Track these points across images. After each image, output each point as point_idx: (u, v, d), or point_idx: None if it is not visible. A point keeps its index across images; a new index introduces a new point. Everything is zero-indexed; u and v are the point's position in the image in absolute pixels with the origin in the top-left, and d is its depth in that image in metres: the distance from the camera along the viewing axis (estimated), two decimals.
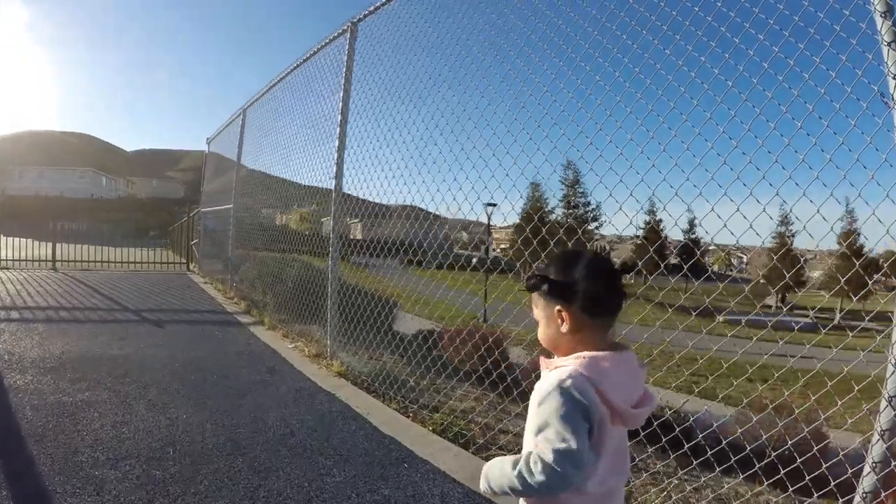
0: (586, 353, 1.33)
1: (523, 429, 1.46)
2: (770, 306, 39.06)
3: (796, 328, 3.07)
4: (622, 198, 3.18)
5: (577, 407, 1.24)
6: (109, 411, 3.67)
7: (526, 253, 3.93)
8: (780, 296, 38.09)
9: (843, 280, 2.84)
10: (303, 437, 3.47)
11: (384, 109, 5.16)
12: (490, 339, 5.59)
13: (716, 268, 47.43)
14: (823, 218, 2.55)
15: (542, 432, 1.27)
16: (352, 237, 8.21)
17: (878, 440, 2.21)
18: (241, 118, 9.51)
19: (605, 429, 1.28)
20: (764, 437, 3.21)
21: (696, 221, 2.86)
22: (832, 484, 2.46)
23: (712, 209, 2.76)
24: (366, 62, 5.39)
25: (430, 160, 4.59)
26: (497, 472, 1.35)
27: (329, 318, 5.40)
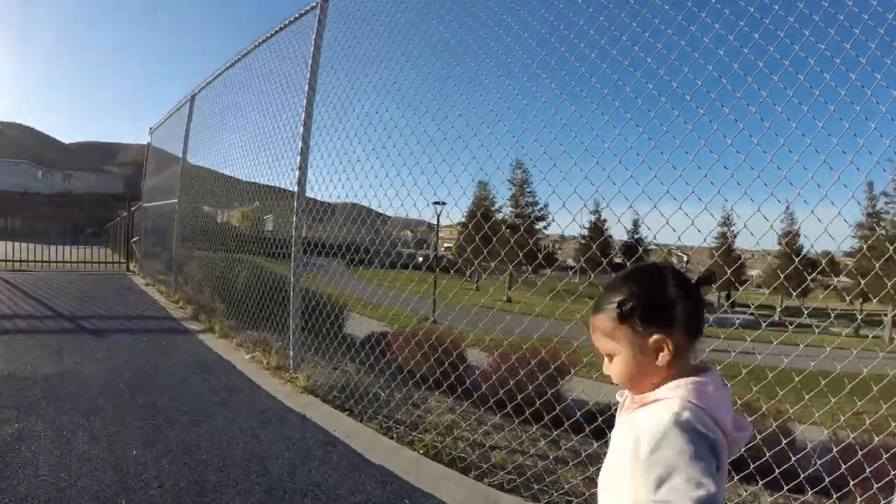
0: (687, 380, 1.13)
1: (519, 444, 1.15)
2: (712, 303, 40.53)
3: (737, 324, 3.24)
4: (568, 196, 3.29)
5: (703, 442, 1.03)
6: (44, 449, 3.06)
7: (469, 251, 3.90)
8: (725, 293, 39.67)
9: (783, 278, 3.03)
10: (279, 472, 2.99)
11: (334, 104, 4.93)
12: (461, 346, 5.36)
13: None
14: (764, 217, 2.68)
15: (665, 483, 1.00)
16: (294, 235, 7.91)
17: None
18: (189, 105, 8.75)
19: (725, 463, 1.09)
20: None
21: (640, 221, 3.07)
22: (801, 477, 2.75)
23: (654, 206, 2.88)
24: (334, 51, 4.99)
25: (383, 157, 4.44)
26: None
27: (291, 326, 4.91)
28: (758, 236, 2.71)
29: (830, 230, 2.54)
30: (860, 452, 2.83)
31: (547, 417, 3.50)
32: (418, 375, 4.62)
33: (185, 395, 4.17)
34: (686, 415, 1.06)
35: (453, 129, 3.90)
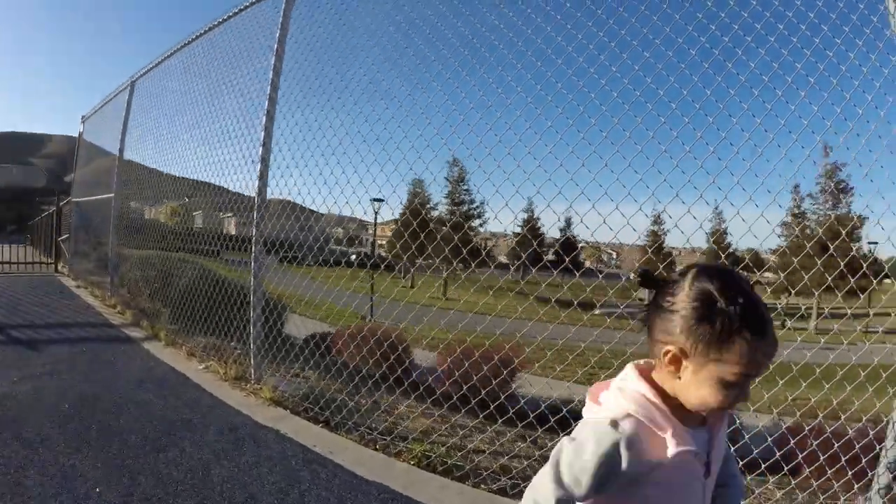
0: None
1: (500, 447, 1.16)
2: (644, 299, 42.21)
3: None
4: (503, 195, 3.44)
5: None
6: None
7: (398, 246, 4.01)
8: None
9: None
10: (270, 501, 2.70)
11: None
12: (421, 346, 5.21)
13: (588, 264, 50.59)
14: (693, 217, 2.96)
15: None
16: (226, 232, 7.58)
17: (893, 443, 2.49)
18: (129, 92, 8.04)
19: None
20: None
21: (576, 220, 3.22)
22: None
23: (593, 207, 3.13)
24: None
25: (317, 152, 4.40)
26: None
27: (252, 333, 4.55)
28: (687, 235, 3.05)
29: (756, 229, 2.89)
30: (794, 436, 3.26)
31: (531, 417, 3.48)
32: (379, 377, 4.38)
33: (141, 415, 3.75)
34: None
35: (393, 121, 3.94)
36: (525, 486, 3.00)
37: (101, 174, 9.33)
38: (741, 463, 2.93)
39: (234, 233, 7.44)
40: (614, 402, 1.09)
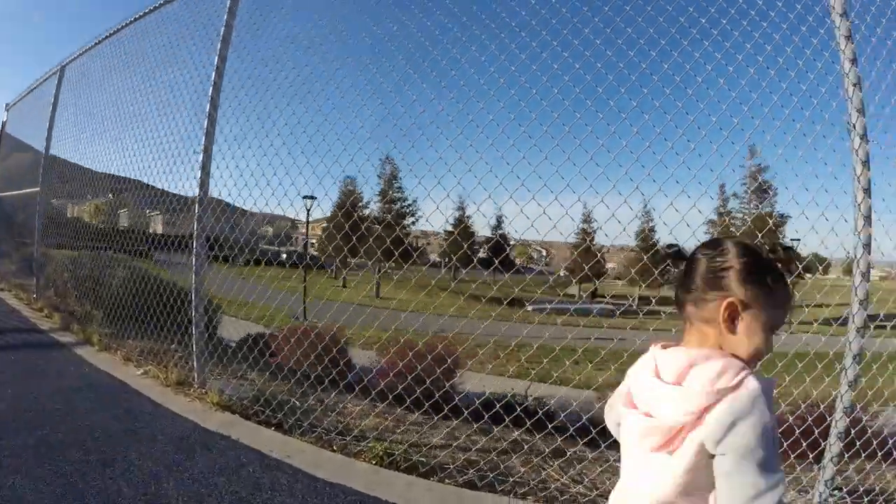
0: None
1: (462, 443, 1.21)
2: (573, 295, 43.02)
3: (617, 314, 3.71)
4: (438, 195, 3.52)
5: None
6: None
7: (331, 246, 4.05)
8: (593, 285, 42.45)
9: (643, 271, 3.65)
10: None
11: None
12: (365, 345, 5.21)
13: (518, 261, 51.53)
14: (618, 221, 3.24)
15: None
16: (152, 231, 7.34)
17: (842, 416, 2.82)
18: (58, 77, 7.52)
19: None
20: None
21: (507, 218, 3.44)
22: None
23: (521, 211, 3.28)
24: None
25: (248, 152, 4.41)
26: None
27: (195, 335, 4.39)
28: (615, 233, 3.25)
29: (681, 228, 3.09)
30: None
31: (504, 412, 3.55)
32: (325, 377, 4.35)
33: (82, 427, 3.54)
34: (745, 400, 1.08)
35: (326, 122, 3.95)
36: (494, 477, 3.08)
37: (25, 167, 8.76)
38: None
39: (160, 231, 7.21)
40: (721, 368, 1.09)
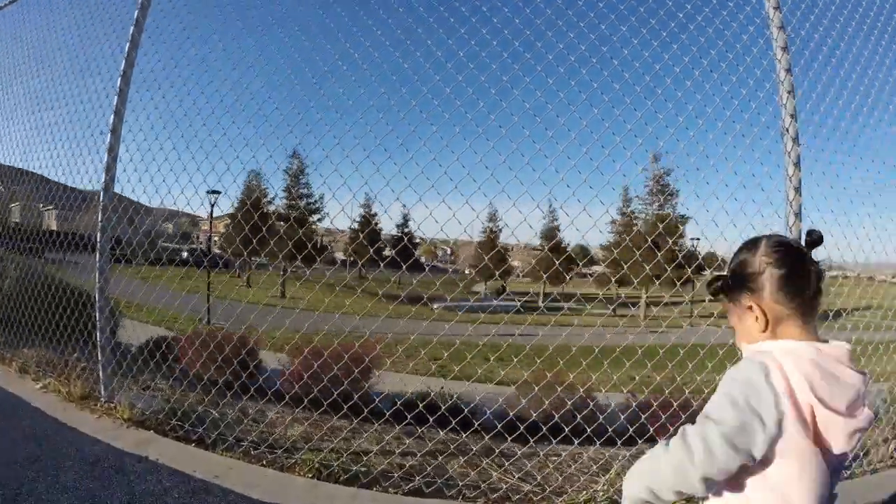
0: (785, 342, 1.22)
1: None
2: (479, 293, 43.86)
3: (515, 311, 3.99)
4: (339, 199, 3.53)
5: (757, 386, 1.15)
6: None
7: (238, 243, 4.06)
8: (499, 283, 43.56)
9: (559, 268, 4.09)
10: None
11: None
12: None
13: (423, 259, 52.07)
14: (527, 222, 3.29)
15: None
16: (45, 227, 6.74)
17: None
18: None
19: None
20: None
21: (411, 217, 3.62)
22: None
23: (430, 214, 3.26)
24: None
25: (143, 144, 4.14)
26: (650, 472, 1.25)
27: (100, 343, 3.98)
28: (520, 232, 3.34)
29: (586, 226, 3.21)
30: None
31: (451, 415, 3.58)
32: (238, 385, 4.09)
33: None
34: (753, 363, 1.17)
35: (228, 114, 3.80)
36: (441, 483, 2.99)
37: None
38: (602, 439, 3.42)
39: (54, 227, 6.55)
40: None
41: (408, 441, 3.64)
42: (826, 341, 1.20)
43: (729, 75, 3.01)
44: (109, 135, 3.98)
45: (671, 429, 3.29)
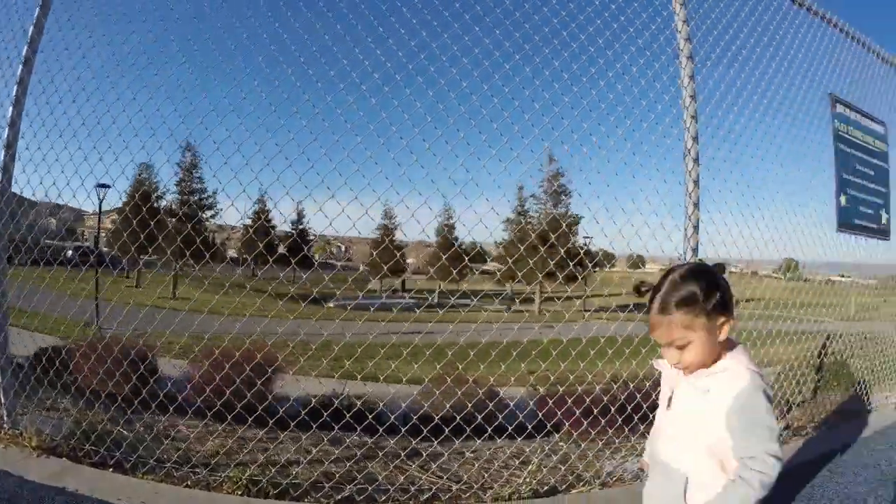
0: (742, 352, 1.58)
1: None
2: (374, 291, 43.62)
3: (419, 310, 4.13)
4: (228, 194, 3.46)
5: (769, 400, 1.47)
6: None
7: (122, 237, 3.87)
8: (400, 281, 43.46)
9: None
10: None
11: None
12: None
13: (317, 257, 51.00)
14: (417, 220, 3.36)
15: (750, 433, 1.44)
16: None
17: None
18: None
19: None
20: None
21: (306, 214, 3.59)
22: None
23: (320, 209, 3.22)
24: None
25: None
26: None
27: (1, 360, 3.72)
28: (418, 229, 3.35)
29: (482, 224, 3.33)
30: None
31: (363, 420, 3.54)
32: (137, 399, 3.91)
33: None
34: (761, 380, 1.48)
35: (119, 103, 3.59)
36: (373, 490, 3.08)
37: None
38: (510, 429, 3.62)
39: None
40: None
41: (330, 448, 3.66)
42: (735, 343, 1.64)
43: (632, 87, 3.26)
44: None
45: (573, 418, 3.95)
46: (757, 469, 1.41)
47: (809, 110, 4.62)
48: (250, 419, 3.62)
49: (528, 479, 3.33)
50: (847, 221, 4.93)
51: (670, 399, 1.67)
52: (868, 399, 5.54)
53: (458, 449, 3.73)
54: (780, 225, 4.27)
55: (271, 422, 3.66)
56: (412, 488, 3.23)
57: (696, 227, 3.33)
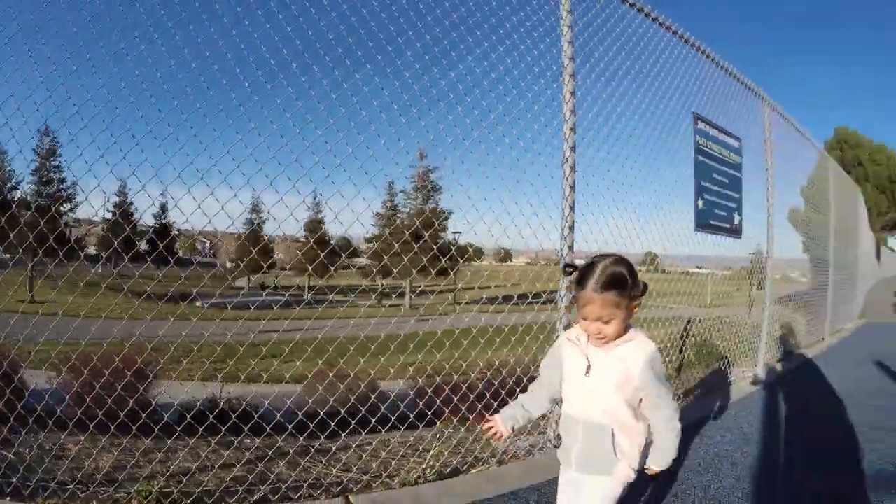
0: (638, 329, 2.05)
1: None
2: (242, 287, 42.00)
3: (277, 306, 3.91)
4: (93, 177, 3.06)
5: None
6: None
7: None
8: (262, 276, 42.12)
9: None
10: None
11: None
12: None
13: (181, 253, 48.08)
14: (288, 208, 3.23)
15: (655, 391, 1.94)
16: None
17: None
18: None
19: None
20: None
21: (171, 205, 3.05)
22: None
23: (176, 204, 2.99)
24: None
25: None
26: (672, 449, 2.02)
27: None
28: (284, 224, 3.23)
29: (350, 219, 3.33)
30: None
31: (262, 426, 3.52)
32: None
33: None
34: (655, 347, 1.98)
35: None
36: (287, 489, 3.09)
37: None
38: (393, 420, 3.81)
39: None
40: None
41: (230, 453, 3.66)
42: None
43: (525, 112, 3.59)
44: None
45: (451, 405, 4.17)
46: (674, 413, 1.99)
47: (681, 126, 5.34)
48: (135, 428, 3.40)
49: (431, 464, 3.53)
50: (704, 222, 5.67)
51: (588, 367, 2.02)
52: (728, 374, 6.39)
53: (360, 442, 3.83)
54: (647, 223, 4.88)
55: (156, 429, 3.47)
56: (324, 483, 3.30)
57: (571, 228, 3.73)
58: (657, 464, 2.04)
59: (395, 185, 33.85)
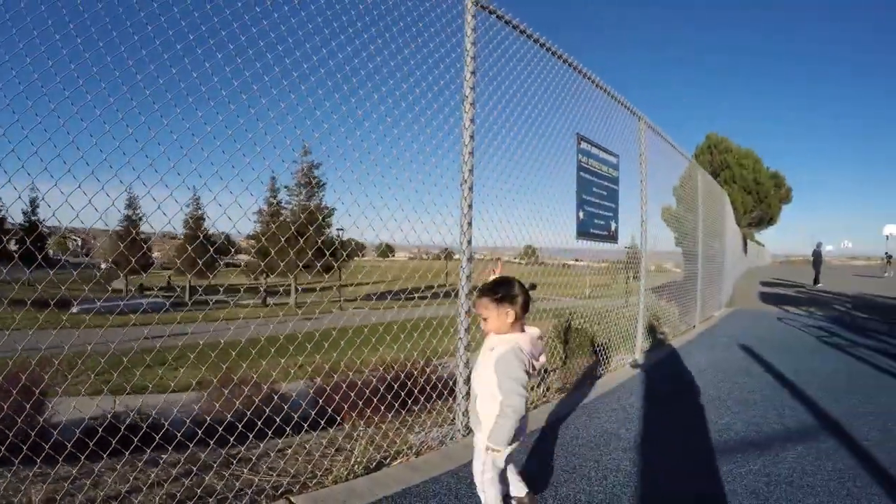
0: (520, 330, 2.61)
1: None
2: (121, 290, 39.81)
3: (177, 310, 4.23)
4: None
5: (521, 361, 2.48)
6: None
7: None
8: (141, 278, 39.57)
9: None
10: None
11: None
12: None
13: (51, 252, 44.31)
14: (176, 201, 3.02)
15: (504, 377, 2.46)
16: None
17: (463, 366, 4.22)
18: None
19: (529, 372, 2.53)
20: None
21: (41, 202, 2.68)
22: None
23: (42, 198, 2.60)
24: None
25: None
26: (501, 433, 2.40)
27: None
28: (165, 220, 2.99)
29: (232, 215, 3.20)
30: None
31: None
32: None
33: None
34: (517, 345, 2.51)
35: None
36: (232, 500, 3.15)
37: None
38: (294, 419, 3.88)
39: None
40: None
41: (148, 469, 3.52)
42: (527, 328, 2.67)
43: (425, 128, 4.03)
44: None
45: (349, 403, 4.39)
46: (508, 403, 2.41)
47: (566, 145, 6.01)
48: (25, 450, 3.15)
49: (359, 459, 3.73)
50: (584, 231, 6.36)
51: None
52: (609, 361, 7.10)
53: (282, 446, 3.96)
54: (537, 226, 5.51)
55: (54, 453, 3.24)
56: (266, 488, 3.37)
57: (469, 224, 4.19)
58: (490, 440, 2.48)
59: (277, 181, 32.79)
